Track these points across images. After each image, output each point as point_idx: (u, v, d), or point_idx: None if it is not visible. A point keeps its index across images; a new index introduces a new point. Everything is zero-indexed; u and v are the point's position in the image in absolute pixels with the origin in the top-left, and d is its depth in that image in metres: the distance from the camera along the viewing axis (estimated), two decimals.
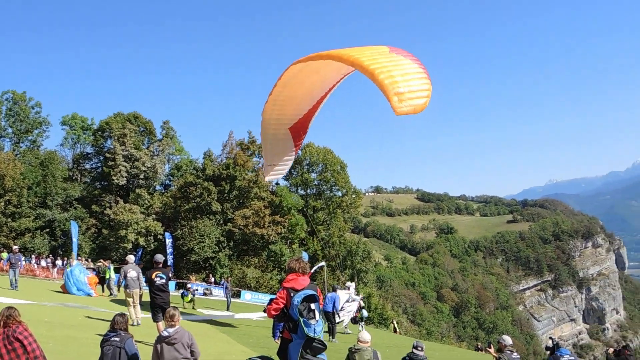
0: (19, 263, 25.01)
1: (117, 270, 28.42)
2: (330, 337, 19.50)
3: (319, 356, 6.54)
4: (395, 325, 38.45)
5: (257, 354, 7.88)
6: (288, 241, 55.72)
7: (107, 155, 55.79)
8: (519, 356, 11.16)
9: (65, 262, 40.97)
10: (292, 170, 62.03)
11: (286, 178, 62.81)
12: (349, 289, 25.27)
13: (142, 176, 56.43)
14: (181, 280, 44.96)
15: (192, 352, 7.71)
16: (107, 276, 27.95)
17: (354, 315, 24.56)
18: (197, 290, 38.02)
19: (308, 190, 62.21)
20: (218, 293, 42.23)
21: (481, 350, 32.49)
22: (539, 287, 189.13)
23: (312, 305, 6.53)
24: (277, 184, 63.07)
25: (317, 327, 6.47)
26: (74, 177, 60.95)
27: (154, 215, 54.49)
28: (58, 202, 54.01)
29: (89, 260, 41.19)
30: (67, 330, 13.64)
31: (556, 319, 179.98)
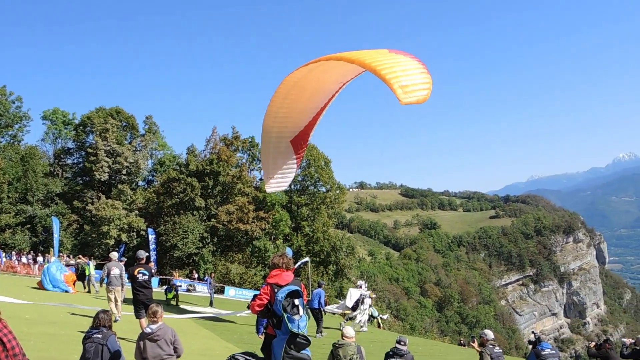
0: None
1: (99, 267, 28.20)
2: (317, 332, 19.61)
3: (303, 352, 6.53)
4: (379, 321, 38.56)
5: (241, 350, 7.84)
6: (272, 237, 55.64)
7: (89, 150, 55.22)
8: (501, 350, 11.26)
9: (45, 258, 40.55)
10: None
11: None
12: (360, 287, 25.61)
13: (124, 171, 55.96)
14: (164, 277, 44.73)
15: (175, 349, 7.66)
16: (88, 272, 27.69)
17: (367, 314, 24.98)
18: (180, 286, 37.83)
19: (292, 186, 62.11)
20: (202, 289, 42.04)
21: (464, 345, 32.77)
22: (520, 282, 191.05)
23: (296, 301, 6.52)
24: (261, 179, 62.95)
25: (301, 323, 6.45)
26: (55, 173, 60.29)
27: (136, 211, 54.07)
28: (39, 197, 53.38)
29: (71, 256, 40.76)
30: (48, 328, 13.50)
31: (538, 314, 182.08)
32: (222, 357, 7.25)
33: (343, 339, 9.22)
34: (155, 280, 41.94)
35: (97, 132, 54.81)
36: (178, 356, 7.75)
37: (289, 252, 41.48)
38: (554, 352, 10.98)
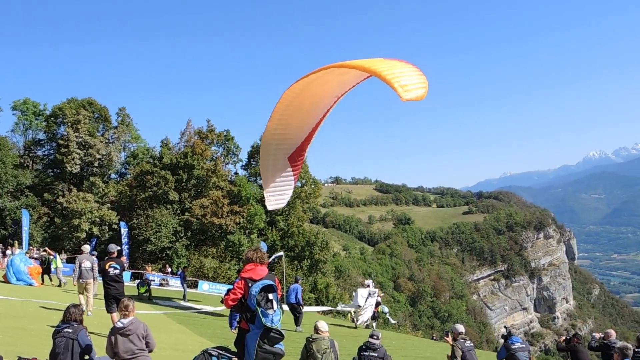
0: None
1: (71, 261, 27.78)
2: (295, 325, 19.90)
3: (276, 346, 6.53)
4: (354, 318, 38.72)
5: (214, 345, 7.82)
6: (247, 231, 55.41)
7: (60, 142, 54.21)
8: (472, 344, 11.41)
9: (11, 251, 39.77)
10: (251, 159, 61.68)
11: (245, 168, 62.43)
12: (368, 286, 26.24)
13: (96, 164, 55.14)
14: (137, 271, 44.30)
15: (147, 343, 7.60)
16: (55, 266, 27.26)
17: (374, 310, 25.94)
18: (153, 280, 37.50)
19: None
20: (175, 283, 41.74)
21: (437, 339, 33.17)
22: (492, 277, 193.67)
23: (270, 295, 6.52)
24: (235, 173, 62.68)
25: (275, 317, 6.46)
26: (25, 164, 59.06)
27: (108, 204, 53.34)
28: (8, 189, 52.25)
29: (40, 249, 40.08)
30: (17, 322, 13.27)
31: (508, 308, 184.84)
32: (195, 352, 7.22)
33: (316, 333, 9.24)
34: (127, 275, 41.51)
35: (69, 124, 53.85)
36: (150, 351, 7.70)
37: (263, 246, 41.35)
38: (523, 345, 11.18)
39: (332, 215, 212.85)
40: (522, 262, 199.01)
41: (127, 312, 7.55)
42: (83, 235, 49.03)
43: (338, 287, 60.13)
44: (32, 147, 60.70)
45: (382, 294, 27.63)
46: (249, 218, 54.52)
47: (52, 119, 57.18)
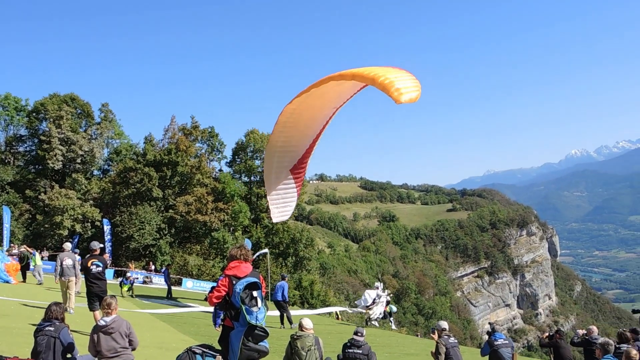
0: None
1: (52, 258, 27.47)
2: (289, 323, 20.20)
3: (261, 343, 6.52)
4: (338, 314, 38.83)
5: (198, 343, 7.78)
6: (231, 228, 55.27)
7: (42, 138, 53.57)
8: (456, 340, 11.49)
9: None
10: (236, 156, 61.51)
11: (230, 165, 62.24)
12: (378, 288, 26.69)
13: (79, 160, 54.57)
14: (120, 268, 44.01)
15: (130, 342, 7.55)
16: (34, 263, 26.95)
17: (383, 309, 26.93)
18: (137, 278, 37.29)
19: (252, 177, 61.82)
20: (158, 281, 41.54)
21: (421, 336, 33.45)
22: (476, 274, 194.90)
23: (255, 293, 6.50)
24: (220, 170, 62.46)
25: (259, 315, 6.45)
26: (6, 160, 58.28)
27: (91, 201, 52.82)
28: None
29: (19, 246, 39.61)
30: None
31: (492, 305, 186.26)
32: (179, 350, 7.18)
33: (301, 330, 9.25)
34: (110, 272, 41.24)
35: (51, 119, 53.22)
36: (133, 349, 7.65)
37: (248, 243, 41.29)
38: (507, 342, 11.30)
39: (317, 213, 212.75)
40: (505, 259, 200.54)
41: (109, 310, 7.49)
42: (65, 233, 48.51)
43: (323, 284, 60.20)
44: (13, 143, 59.91)
45: (391, 295, 28.63)
46: (233, 215, 54.39)
47: (34, 114, 56.46)
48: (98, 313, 11.76)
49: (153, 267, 46.11)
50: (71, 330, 7.51)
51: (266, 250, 41.69)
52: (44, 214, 50.18)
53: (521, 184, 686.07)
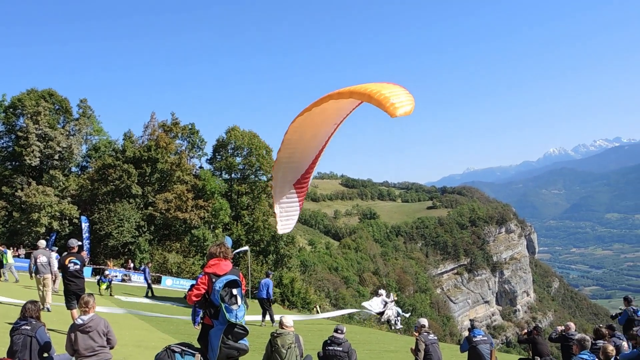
0: None
1: (29, 256, 27.07)
2: (271, 322, 20.29)
3: (240, 342, 6.50)
4: (318, 309, 38.97)
5: (178, 341, 7.72)
6: (211, 226, 54.99)
7: (19, 134, 52.72)
8: (435, 337, 11.58)
9: None
10: (216, 154, 61.20)
11: (210, 162, 61.93)
12: (382, 295, 27.22)
13: (56, 157, 53.85)
14: (98, 266, 43.53)
15: (108, 340, 7.48)
16: (5, 262, 26.59)
17: (396, 309, 27.40)
18: (115, 276, 36.93)
19: (232, 175, 61.56)
20: (137, 279, 41.21)
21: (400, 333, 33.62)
22: (455, 271, 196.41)
23: (234, 291, 6.47)
24: (200, 167, 62.09)
25: (239, 313, 6.42)
26: None
27: (69, 198, 52.17)
28: None
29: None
30: None
31: (471, 301, 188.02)
32: (158, 349, 7.12)
33: (281, 328, 9.24)
34: (88, 270, 40.76)
35: (28, 115, 52.43)
36: (111, 347, 7.58)
37: (228, 241, 41.06)
38: (485, 338, 11.41)
39: None
40: (484, 256, 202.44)
41: (87, 309, 7.41)
42: (43, 230, 47.88)
43: (304, 281, 60.15)
44: None
45: (396, 298, 29.05)
46: (213, 212, 54.14)
47: (11, 110, 55.55)
48: (75, 311, 11.64)
49: (132, 265, 45.68)
50: (48, 329, 7.43)
51: (246, 247, 41.53)
52: (20, 211, 49.44)
53: (500, 182, 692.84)
